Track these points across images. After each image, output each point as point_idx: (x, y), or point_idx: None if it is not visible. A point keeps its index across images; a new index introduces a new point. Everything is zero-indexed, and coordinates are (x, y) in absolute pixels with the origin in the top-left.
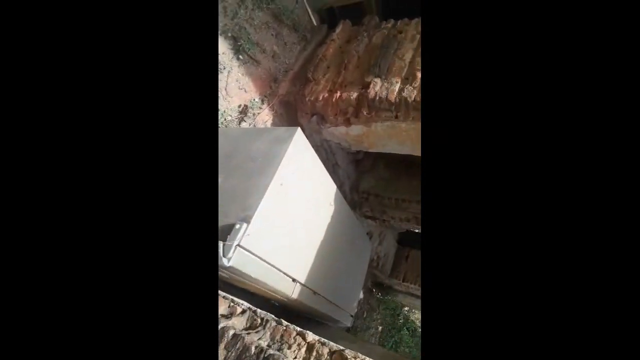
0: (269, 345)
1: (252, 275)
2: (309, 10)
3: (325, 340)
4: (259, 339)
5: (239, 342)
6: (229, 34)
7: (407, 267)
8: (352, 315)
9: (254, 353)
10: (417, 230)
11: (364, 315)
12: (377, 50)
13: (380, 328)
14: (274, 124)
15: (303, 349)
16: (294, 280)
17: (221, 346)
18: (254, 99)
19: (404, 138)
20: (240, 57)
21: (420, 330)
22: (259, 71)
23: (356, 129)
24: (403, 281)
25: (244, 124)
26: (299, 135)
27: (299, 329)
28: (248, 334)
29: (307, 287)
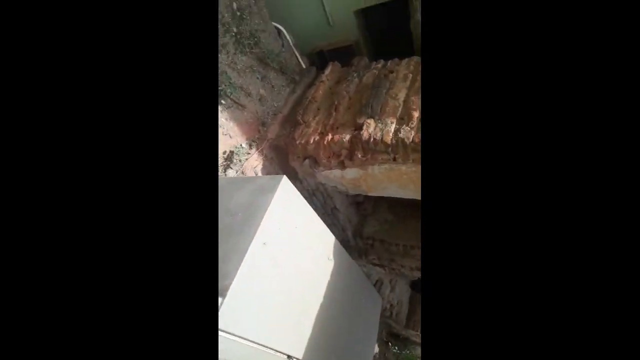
0: None
1: None
2: (297, 53)
3: None
4: None
5: None
6: None
7: None
8: None
9: None
10: None
11: None
12: (369, 91)
13: None
14: (264, 169)
15: None
16: (289, 357)
17: None
18: (241, 145)
19: (405, 181)
20: (223, 101)
21: None
22: (244, 115)
23: (352, 172)
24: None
25: (230, 172)
26: (284, 184)
27: None
28: None
29: None
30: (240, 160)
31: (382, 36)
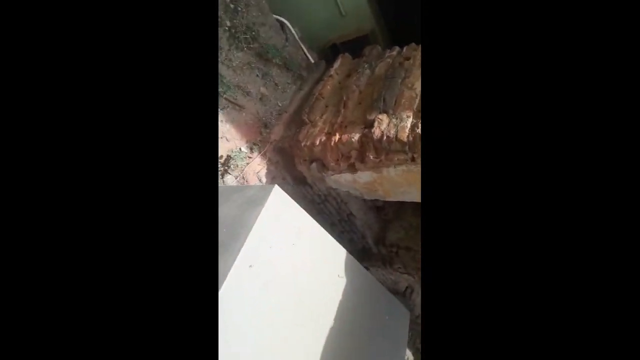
0: None
1: None
2: (303, 47)
3: None
4: None
5: None
6: None
7: None
8: None
9: None
10: None
11: None
12: (381, 82)
13: None
14: (269, 173)
15: None
16: None
17: None
18: (239, 148)
19: None
20: None
21: None
22: (243, 117)
23: (365, 176)
24: None
25: (228, 178)
26: (276, 194)
27: None
28: None
29: None
30: (238, 165)
31: (399, 24)
